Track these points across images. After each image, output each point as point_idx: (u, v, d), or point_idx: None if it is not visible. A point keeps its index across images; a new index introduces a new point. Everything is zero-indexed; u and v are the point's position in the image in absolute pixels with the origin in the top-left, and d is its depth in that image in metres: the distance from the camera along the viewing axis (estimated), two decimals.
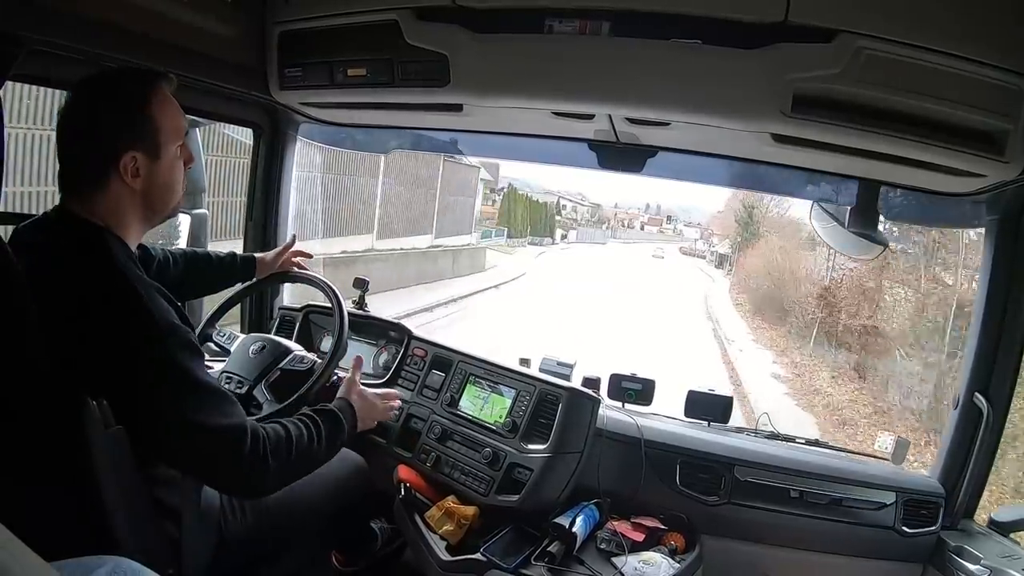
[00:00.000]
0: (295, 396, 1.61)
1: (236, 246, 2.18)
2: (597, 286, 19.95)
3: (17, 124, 4.88)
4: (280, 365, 1.70)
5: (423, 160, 16.08)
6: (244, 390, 1.66)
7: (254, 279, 1.93)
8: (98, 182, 1.15)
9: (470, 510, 1.71)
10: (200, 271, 1.77)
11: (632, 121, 1.67)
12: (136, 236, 1.23)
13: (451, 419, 1.91)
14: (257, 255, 1.93)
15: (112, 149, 1.15)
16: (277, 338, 1.81)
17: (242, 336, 1.87)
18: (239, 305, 2.17)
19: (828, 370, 11.47)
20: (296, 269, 1.96)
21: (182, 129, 1.25)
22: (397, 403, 1.74)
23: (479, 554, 1.57)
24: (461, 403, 1.93)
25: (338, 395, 1.54)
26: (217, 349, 1.89)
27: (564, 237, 41.64)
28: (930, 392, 8.93)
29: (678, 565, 1.62)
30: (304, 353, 1.76)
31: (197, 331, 1.78)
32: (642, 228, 65.68)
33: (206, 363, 1.23)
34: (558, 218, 43.02)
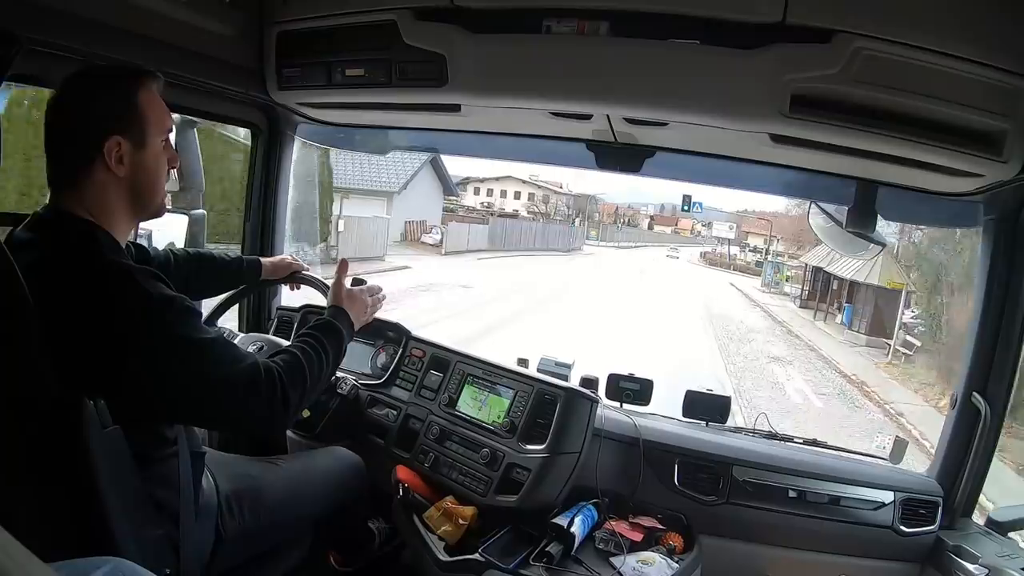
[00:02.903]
0: None
1: None
2: None
3: None
4: None
5: None
6: None
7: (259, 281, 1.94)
8: (84, 170, 1.17)
9: (468, 510, 1.71)
10: (204, 273, 1.77)
11: (630, 121, 1.67)
12: (124, 230, 1.24)
13: (449, 419, 1.91)
14: (262, 259, 1.94)
15: (97, 134, 1.16)
16: (276, 339, 1.81)
17: (241, 335, 1.87)
18: (236, 304, 2.17)
19: None
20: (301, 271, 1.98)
21: (168, 125, 1.27)
22: (382, 294, 1.70)
23: (477, 554, 1.58)
24: (459, 403, 1.93)
25: (328, 302, 1.57)
26: None
27: (438, 244, 23.65)
28: None
29: (676, 565, 1.62)
30: None
31: None
32: (650, 227, 55.39)
33: None
34: (459, 201, 33.57)
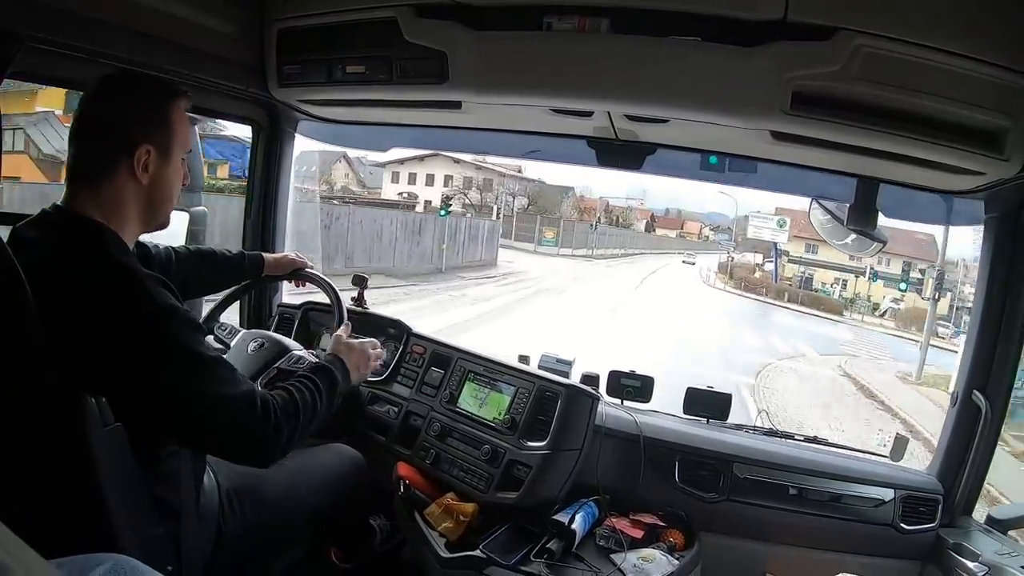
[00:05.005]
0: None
1: None
2: None
3: None
4: (277, 364, 1.69)
5: None
6: None
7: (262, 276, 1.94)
8: (109, 170, 1.18)
9: (469, 507, 1.71)
10: (207, 269, 1.77)
11: (631, 118, 1.67)
12: (132, 235, 1.25)
13: (450, 416, 1.91)
14: (265, 255, 1.94)
15: (131, 139, 1.18)
16: (277, 336, 1.81)
17: (242, 331, 1.87)
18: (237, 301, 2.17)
19: None
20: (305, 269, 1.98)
21: (189, 145, 1.30)
22: (380, 351, 1.70)
23: (478, 551, 1.58)
24: (460, 400, 1.93)
25: (328, 352, 1.56)
26: (218, 345, 1.89)
27: None
28: None
29: (677, 562, 1.62)
30: (302, 353, 1.75)
31: None
32: (648, 229, 45.91)
33: None
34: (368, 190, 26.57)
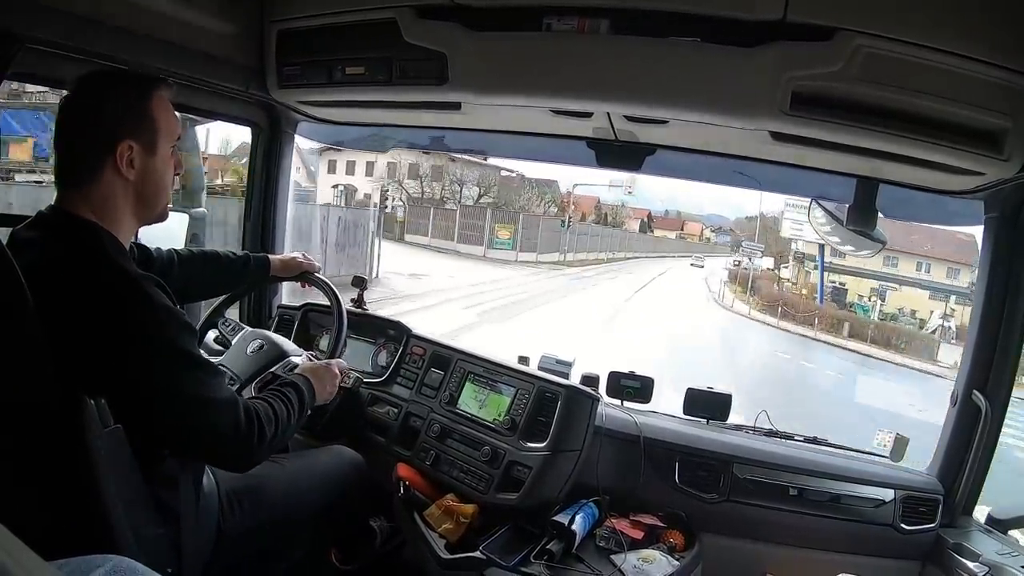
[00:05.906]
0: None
1: None
2: None
3: None
4: (274, 369, 1.68)
5: None
6: (234, 388, 1.64)
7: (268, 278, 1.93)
8: (94, 171, 1.17)
9: (469, 508, 1.71)
10: (210, 272, 1.76)
11: (630, 119, 1.67)
12: (127, 232, 1.25)
13: (450, 417, 1.91)
14: (271, 256, 1.93)
15: (111, 137, 1.17)
16: (278, 339, 1.79)
17: (245, 330, 1.86)
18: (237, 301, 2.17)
19: None
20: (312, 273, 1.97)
21: (176, 132, 1.29)
22: (338, 369, 1.67)
23: (478, 552, 1.58)
24: (460, 401, 1.93)
25: (298, 369, 1.59)
26: (218, 347, 1.89)
27: None
28: None
29: (677, 563, 1.62)
30: (299, 360, 1.73)
31: (201, 321, 1.86)
32: (643, 230, 42.83)
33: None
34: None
